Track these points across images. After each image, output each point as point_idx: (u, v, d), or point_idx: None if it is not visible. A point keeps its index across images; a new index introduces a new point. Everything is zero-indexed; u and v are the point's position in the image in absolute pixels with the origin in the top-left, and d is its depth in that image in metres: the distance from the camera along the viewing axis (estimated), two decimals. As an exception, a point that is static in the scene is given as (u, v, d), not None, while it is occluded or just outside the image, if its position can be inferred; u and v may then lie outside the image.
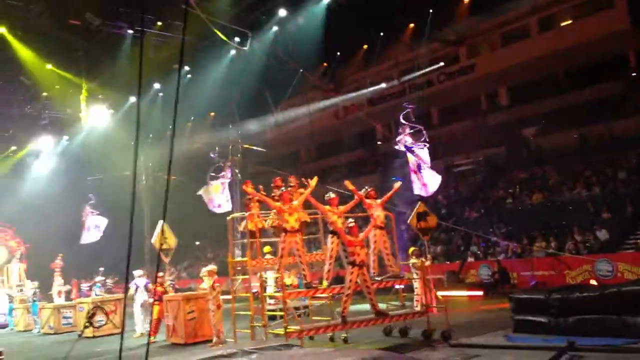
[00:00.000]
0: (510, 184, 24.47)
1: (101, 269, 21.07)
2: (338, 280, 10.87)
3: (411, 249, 13.58)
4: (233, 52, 23.21)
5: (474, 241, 21.27)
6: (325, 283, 10.15)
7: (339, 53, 29.52)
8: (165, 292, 13.68)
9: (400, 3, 24.50)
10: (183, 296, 13.07)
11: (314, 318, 11.54)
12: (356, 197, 10.77)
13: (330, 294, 10.72)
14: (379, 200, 11.08)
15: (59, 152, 30.97)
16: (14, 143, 30.20)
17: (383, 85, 30.08)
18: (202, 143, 27.42)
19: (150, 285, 14.15)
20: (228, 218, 11.79)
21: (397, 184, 11.34)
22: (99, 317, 15.48)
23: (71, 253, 21.74)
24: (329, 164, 35.61)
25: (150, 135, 28.81)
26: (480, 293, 17.76)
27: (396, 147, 13.00)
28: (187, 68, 24.27)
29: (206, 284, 11.87)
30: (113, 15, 20.77)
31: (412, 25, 27.60)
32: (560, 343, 8.24)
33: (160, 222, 13.35)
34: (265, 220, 11.23)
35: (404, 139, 12.64)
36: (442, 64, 28.64)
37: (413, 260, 13.02)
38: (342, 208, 10.41)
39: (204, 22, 18.30)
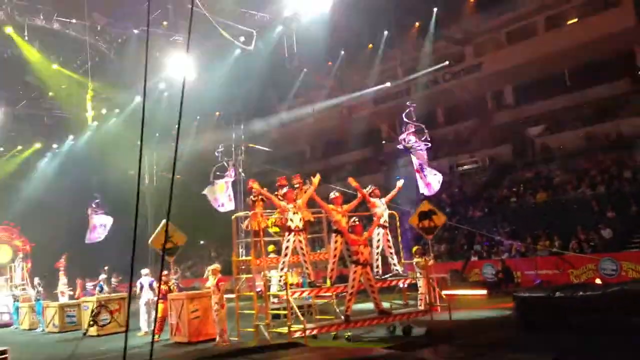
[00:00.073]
0: (514, 183, 24.42)
1: (106, 267, 21.15)
2: (342, 279, 10.90)
3: (415, 248, 13.58)
4: (238, 51, 23.24)
5: (478, 240, 21.24)
6: (328, 282, 10.18)
7: (343, 52, 29.50)
8: (170, 290, 13.72)
9: (405, 2, 24.50)
10: (187, 295, 13.10)
11: (317, 317, 11.58)
12: (359, 194, 10.79)
13: (334, 293, 10.74)
14: (382, 199, 11.10)
15: (64, 151, 31.12)
16: (19, 142, 30.38)
17: (388, 84, 30.04)
18: (207, 142, 27.51)
19: (155, 284, 14.20)
20: (232, 217, 11.84)
21: (400, 183, 11.36)
22: (104, 316, 15.54)
23: (76, 252, 21.85)
24: (333, 163, 35.61)
25: (156, 135, 28.92)
26: (484, 292, 17.74)
27: (398, 146, 13.03)
28: (192, 67, 24.29)
29: (210, 282, 11.91)
30: (119, 15, 20.87)
31: (417, 24, 27.56)
32: (565, 341, 8.24)
33: (163, 221, 13.41)
34: (268, 219, 11.25)
35: (408, 138, 12.65)
36: (447, 62, 28.58)
37: (417, 259, 13.02)
38: (346, 207, 10.43)
39: (209, 21, 18.36)
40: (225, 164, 18.76)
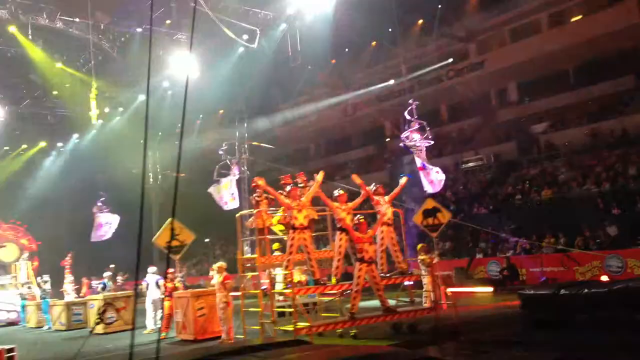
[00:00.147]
0: (519, 180, 24.37)
1: (111, 266, 21.22)
2: (347, 276, 10.90)
3: (420, 246, 13.58)
4: (241, 49, 23.25)
5: (483, 237, 21.21)
6: (334, 280, 10.19)
7: (347, 50, 29.47)
8: (176, 288, 13.76)
9: (408, -1, 24.48)
10: (192, 293, 13.14)
11: (322, 315, 11.58)
12: (363, 191, 10.78)
13: (339, 291, 10.75)
14: (387, 197, 11.10)
15: (69, 150, 31.21)
16: (24, 141, 30.47)
17: (392, 82, 30.02)
18: (210, 140, 27.56)
19: (162, 282, 14.24)
20: (237, 215, 11.85)
21: (403, 180, 11.36)
22: (110, 314, 15.61)
23: (82, 251, 21.91)
24: (337, 161, 35.62)
25: (160, 133, 28.98)
26: (489, 289, 17.72)
27: (400, 144, 13.04)
28: (195, 65, 24.33)
29: (215, 280, 11.94)
30: (122, 14, 20.90)
31: (420, 21, 27.51)
32: (570, 338, 8.23)
33: (169, 219, 13.42)
34: (273, 217, 11.26)
35: (411, 136, 12.65)
36: (451, 60, 28.53)
37: (422, 256, 13.01)
38: (350, 204, 10.43)
39: (212, 19, 18.38)
40: (228, 162, 18.81)
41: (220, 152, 20.21)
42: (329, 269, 10.76)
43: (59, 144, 32.42)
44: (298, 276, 13.01)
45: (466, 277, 19.33)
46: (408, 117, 12.96)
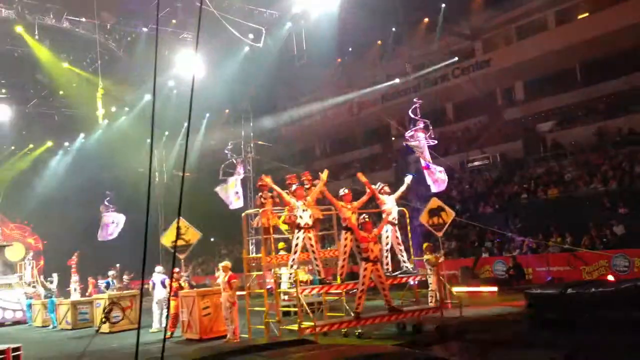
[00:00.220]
0: (525, 179, 24.28)
1: (117, 265, 21.27)
2: (352, 276, 10.90)
3: (425, 245, 13.55)
4: (247, 48, 23.27)
5: (489, 237, 21.15)
6: (339, 279, 10.18)
7: (352, 48, 29.44)
8: (181, 287, 13.78)
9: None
10: (198, 292, 13.16)
11: (328, 314, 11.58)
12: (369, 190, 10.76)
13: (344, 290, 10.74)
14: (392, 196, 11.08)
15: (75, 149, 31.33)
16: (31, 141, 30.61)
17: (397, 80, 29.97)
18: (216, 140, 27.61)
19: (167, 282, 14.27)
20: (242, 214, 11.86)
21: (408, 179, 11.34)
22: (116, 313, 15.65)
23: (88, 250, 21.99)
24: (343, 160, 35.60)
25: (166, 133, 29.05)
26: (495, 289, 17.66)
27: (404, 143, 13.01)
28: (201, 65, 24.37)
29: (221, 279, 11.95)
30: (128, 14, 20.95)
31: (426, 19, 27.44)
32: (576, 338, 8.19)
33: (176, 220, 13.45)
34: (279, 217, 11.27)
35: (416, 135, 12.61)
36: (456, 58, 28.45)
37: (427, 256, 12.99)
38: (355, 204, 10.41)
39: (218, 19, 18.39)
40: (234, 161, 18.84)
41: (226, 152, 20.25)
42: (334, 268, 10.75)
43: (66, 144, 32.55)
44: (303, 275, 13.02)
45: (472, 277, 19.27)
46: (412, 116, 12.93)
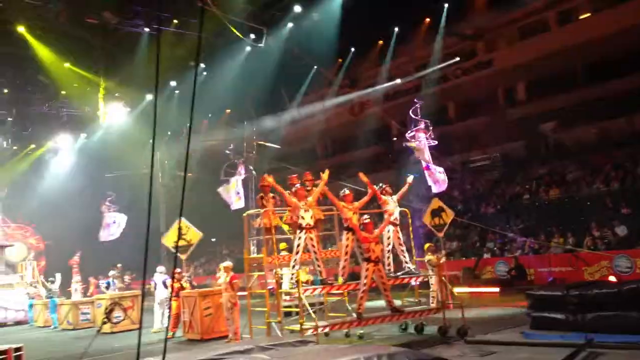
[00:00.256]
0: (527, 180, 24.26)
1: (118, 265, 21.29)
2: (353, 276, 10.87)
3: (427, 246, 13.53)
4: (248, 48, 23.27)
5: (491, 237, 21.12)
6: (340, 279, 10.16)
7: (354, 49, 29.42)
8: (183, 288, 13.79)
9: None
10: (199, 292, 13.16)
11: (329, 314, 11.56)
12: (370, 190, 10.74)
13: (346, 291, 10.72)
14: (394, 197, 11.07)
15: (77, 149, 31.34)
16: (33, 141, 30.61)
17: (398, 80, 29.94)
18: (218, 140, 27.60)
19: (169, 282, 14.27)
20: (244, 214, 11.86)
21: (410, 179, 11.33)
22: (117, 313, 15.67)
23: (90, 250, 22.01)
24: (344, 160, 35.56)
25: (168, 133, 29.04)
26: (497, 289, 17.64)
27: (404, 144, 12.98)
28: (203, 65, 24.39)
29: (222, 279, 11.95)
30: (130, 14, 20.94)
31: (428, 19, 27.42)
32: (578, 340, 8.17)
33: (177, 220, 13.45)
34: (281, 218, 11.25)
35: (417, 135, 12.59)
36: (458, 58, 28.42)
37: (429, 256, 12.97)
38: (357, 204, 10.40)
39: (219, 19, 18.39)
40: (236, 161, 18.85)
41: (228, 152, 20.25)
42: (335, 269, 10.73)
43: (67, 144, 32.55)
44: (304, 276, 13.00)
45: (474, 277, 19.25)
46: (413, 116, 12.91)
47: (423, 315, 10.59)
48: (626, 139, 22.72)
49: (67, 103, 27.38)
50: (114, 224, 18.67)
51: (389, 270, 10.70)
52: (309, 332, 9.09)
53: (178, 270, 14.29)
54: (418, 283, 11.64)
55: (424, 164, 13.05)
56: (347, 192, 10.48)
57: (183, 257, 14.95)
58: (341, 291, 10.71)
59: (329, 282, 10.19)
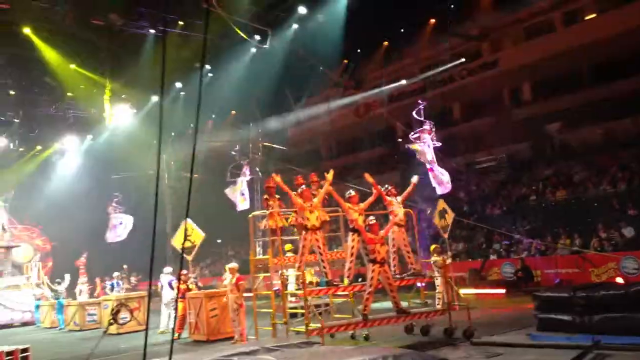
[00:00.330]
0: (533, 181, 24.17)
1: (125, 266, 21.33)
2: (359, 278, 10.86)
3: (433, 247, 13.51)
4: (253, 50, 23.29)
5: (497, 239, 21.06)
6: (346, 281, 10.16)
7: (359, 50, 29.41)
8: (189, 289, 13.81)
9: (420, -2, 24.40)
10: (205, 294, 13.18)
11: (335, 316, 11.55)
12: (375, 190, 10.72)
13: (351, 292, 10.71)
14: (399, 198, 11.05)
15: (83, 151, 31.46)
16: (39, 142, 30.75)
17: (404, 82, 29.91)
18: (223, 141, 27.65)
19: (174, 283, 14.29)
20: (249, 216, 11.87)
21: (414, 179, 11.29)
22: (123, 314, 15.70)
23: (97, 251, 22.07)
24: (349, 162, 35.57)
25: (172, 134, 29.11)
26: (503, 291, 17.59)
27: (407, 146, 12.95)
28: (208, 67, 24.44)
29: (228, 281, 11.95)
30: (136, 16, 21.00)
31: (433, 20, 27.39)
32: (585, 342, 8.13)
33: (184, 221, 13.48)
34: (287, 219, 11.25)
35: (422, 136, 12.56)
36: (463, 59, 28.37)
37: (434, 258, 12.95)
38: (362, 205, 10.39)
39: (224, 20, 18.42)
40: (241, 162, 18.88)
41: (234, 153, 20.28)
42: (341, 270, 10.73)
43: (74, 145, 32.67)
44: (310, 277, 13.00)
45: (480, 279, 19.20)
46: (417, 117, 12.88)
47: (429, 317, 10.58)
48: (632, 140, 22.62)
49: (74, 105, 27.49)
50: (120, 225, 18.72)
51: (394, 271, 10.68)
52: (315, 334, 9.09)
53: (184, 271, 14.31)
54: (424, 284, 11.62)
55: (427, 165, 13.02)
56: (353, 193, 10.46)
57: (189, 257, 14.98)
58: (347, 292, 10.71)
59: (334, 283, 10.18)
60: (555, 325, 9.32)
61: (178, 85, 26.12)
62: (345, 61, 30.47)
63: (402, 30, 27.31)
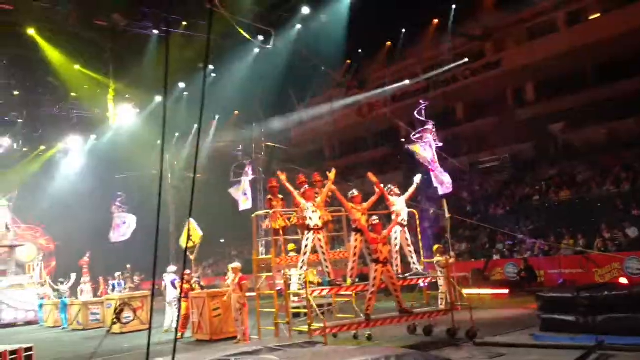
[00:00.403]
0: (537, 181, 24.14)
1: (128, 266, 21.37)
2: (362, 277, 10.87)
3: (436, 247, 13.49)
4: (257, 50, 23.32)
5: (500, 239, 21.02)
6: (349, 281, 10.16)
7: (362, 50, 29.41)
8: (192, 289, 13.83)
9: (423, -2, 24.38)
10: (208, 293, 13.19)
11: (337, 316, 11.56)
12: (378, 190, 10.71)
13: (354, 292, 10.71)
14: (402, 198, 11.03)
15: (87, 151, 31.54)
16: (43, 142, 30.84)
17: (407, 82, 29.90)
18: (226, 141, 27.69)
19: (177, 282, 14.32)
20: (252, 216, 11.88)
21: (417, 178, 11.28)
22: (127, 314, 15.73)
23: (100, 250, 22.11)
24: (352, 162, 35.58)
25: (176, 134, 29.17)
26: (506, 291, 17.56)
27: (406, 146, 12.93)
28: (211, 67, 24.48)
29: (230, 280, 11.97)
30: (139, 16, 21.05)
31: (436, 20, 27.38)
32: (588, 342, 8.12)
33: (189, 221, 13.51)
34: (289, 219, 11.26)
35: (425, 136, 12.54)
36: (466, 59, 28.35)
37: (437, 258, 12.93)
38: (365, 205, 10.39)
39: (228, 21, 18.44)
40: (244, 162, 18.90)
41: (239, 153, 20.30)
42: (344, 270, 10.72)
43: (77, 145, 32.75)
44: (313, 277, 13.00)
45: (483, 279, 19.17)
46: (418, 117, 12.87)
47: (432, 317, 10.57)
48: (636, 140, 22.56)
49: (77, 105, 27.57)
50: (124, 225, 18.75)
51: (396, 271, 10.67)
52: (317, 333, 9.09)
53: (187, 271, 14.34)
54: (427, 284, 11.61)
55: (430, 165, 13.00)
56: (356, 193, 10.46)
57: (192, 257, 15.00)
58: (349, 292, 10.70)
59: (337, 283, 10.18)
60: (558, 326, 9.31)
61: (181, 85, 26.16)
62: (348, 61, 30.47)
63: (405, 30, 27.30)
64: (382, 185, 10.81)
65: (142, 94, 26.41)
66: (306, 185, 10.66)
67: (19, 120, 27.39)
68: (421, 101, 13.28)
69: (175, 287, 14.41)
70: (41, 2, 19.35)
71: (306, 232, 10.13)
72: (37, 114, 27.77)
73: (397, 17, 25.20)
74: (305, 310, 9.84)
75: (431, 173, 12.89)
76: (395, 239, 10.78)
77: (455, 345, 9.69)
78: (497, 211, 23.44)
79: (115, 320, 15.15)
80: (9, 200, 26.19)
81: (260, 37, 21.62)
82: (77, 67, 23.69)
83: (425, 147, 12.55)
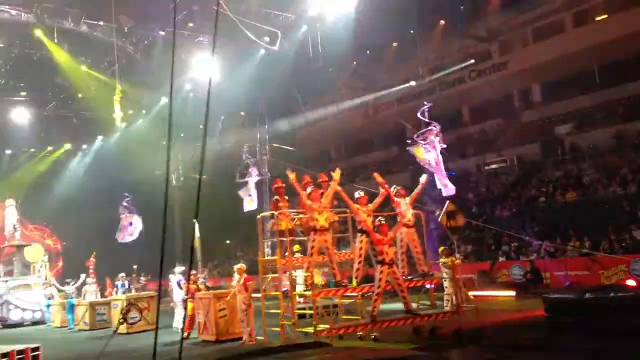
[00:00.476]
0: (543, 182, 24.05)
1: (135, 266, 21.39)
2: (367, 279, 10.86)
3: (441, 248, 13.47)
4: (263, 51, 23.36)
5: (506, 240, 20.95)
6: (354, 282, 10.16)
7: (368, 51, 29.40)
8: (198, 289, 13.85)
9: (430, 0, 24.33)
10: (214, 294, 13.21)
11: (343, 317, 11.56)
12: (383, 190, 10.69)
13: (360, 293, 10.71)
14: (407, 199, 11.02)
15: (93, 151, 31.69)
16: (50, 143, 31.01)
17: (413, 83, 29.87)
18: (232, 142, 27.74)
19: (183, 283, 14.34)
20: (258, 217, 11.90)
21: (423, 178, 11.25)
22: (133, 314, 15.78)
23: (107, 251, 22.16)
24: (358, 163, 35.56)
25: (182, 135, 29.22)
26: (512, 293, 17.50)
27: (407, 148, 12.89)
28: (217, 68, 24.53)
29: (236, 281, 11.98)
30: (145, 17, 21.15)
31: (442, 22, 27.34)
32: (594, 344, 8.09)
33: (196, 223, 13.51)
34: (293, 220, 11.26)
35: (429, 138, 12.52)
36: (472, 61, 28.29)
37: (443, 259, 12.92)
38: (371, 206, 10.39)
39: (234, 22, 18.49)
40: (250, 164, 18.93)
41: (243, 155, 20.32)
42: (349, 271, 10.73)
43: (84, 146, 32.91)
44: (318, 278, 13.01)
45: (489, 281, 19.11)
46: (422, 118, 12.85)
47: (438, 318, 10.55)
48: (643, 142, 22.45)
49: (84, 105, 27.69)
50: (130, 226, 18.79)
51: (402, 272, 10.67)
52: (323, 335, 9.10)
53: (193, 272, 14.36)
54: (433, 286, 11.60)
55: (433, 165, 12.96)
56: (362, 194, 10.47)
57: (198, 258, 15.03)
58: (355, 293, 10.71)
59: (343, 284, 10.19)
60: (564, 327, 9.28)
61: (187, 86, 26.23)
62: (355, 62, 30.45)
63: (412, 31, 27.27)
64: (387, 186, 10.80)
65: (148, 95, 26.53)
66: (312, 186, 10.67)
67: (26, 121, 27.55)
68: (425, 102, 13.26)
69: (180, 288, 14.44)
70: (49, 4, 19.48)
71: (312, 233, 10.14)
72: (44, 114, 27.93)
73: (403, 18, 25.16)
74: (311, 312, 9.85)
75: (435, 175, 12.86)
76: (401, 240, 10.78)
77: (460, 346, 9.66)
78: (503, 213, 23.36)
79: (122, 320, 15.19)
80: (16, 200, 26.33)
81: (267, 39, 21.65)
82: (84, 68, 23.81)
83: (429, 149, 12.52)
